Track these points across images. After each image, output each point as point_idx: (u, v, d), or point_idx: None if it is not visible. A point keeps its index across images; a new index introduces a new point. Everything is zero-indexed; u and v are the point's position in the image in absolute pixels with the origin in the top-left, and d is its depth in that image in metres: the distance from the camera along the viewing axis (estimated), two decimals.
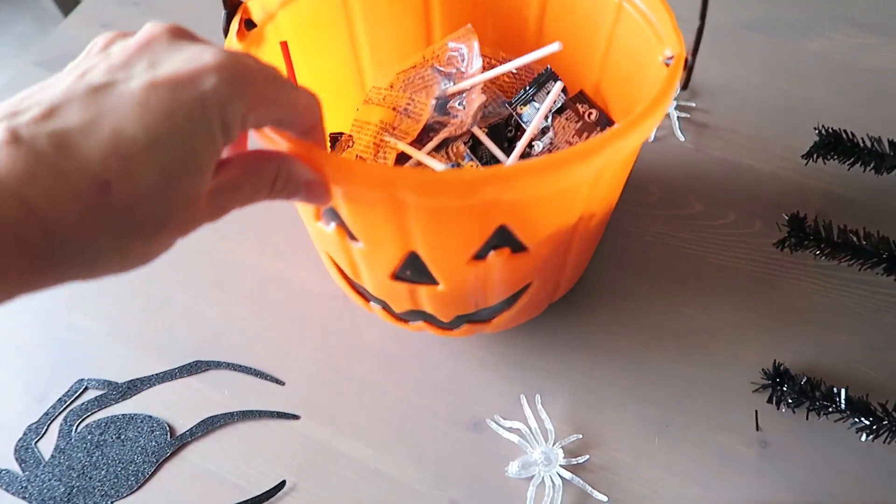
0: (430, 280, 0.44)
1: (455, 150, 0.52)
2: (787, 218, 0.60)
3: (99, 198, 0.24)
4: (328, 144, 0.62)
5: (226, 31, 0.46)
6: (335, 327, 0.60)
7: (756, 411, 0.53)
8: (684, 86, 0.41)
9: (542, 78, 0.54)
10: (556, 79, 0.52)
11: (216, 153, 0.27)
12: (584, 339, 0.58)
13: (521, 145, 0.49)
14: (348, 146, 0.58)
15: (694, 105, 0.72)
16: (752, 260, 0.61)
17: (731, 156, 0.67)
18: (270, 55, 0.48)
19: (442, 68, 0.54)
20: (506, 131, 0.55)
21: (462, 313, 0.48)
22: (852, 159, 0.59)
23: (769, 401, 0.53)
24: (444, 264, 0.42)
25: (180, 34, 0.29)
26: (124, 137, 0.24)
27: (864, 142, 0.59)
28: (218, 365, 0.58)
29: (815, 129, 0.61)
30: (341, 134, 0.61)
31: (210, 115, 0.26)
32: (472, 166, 0.50)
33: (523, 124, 0.54)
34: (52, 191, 0.23)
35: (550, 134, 0.50)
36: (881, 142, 0.59)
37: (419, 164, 0.53)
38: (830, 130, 0.60)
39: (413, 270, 0.43)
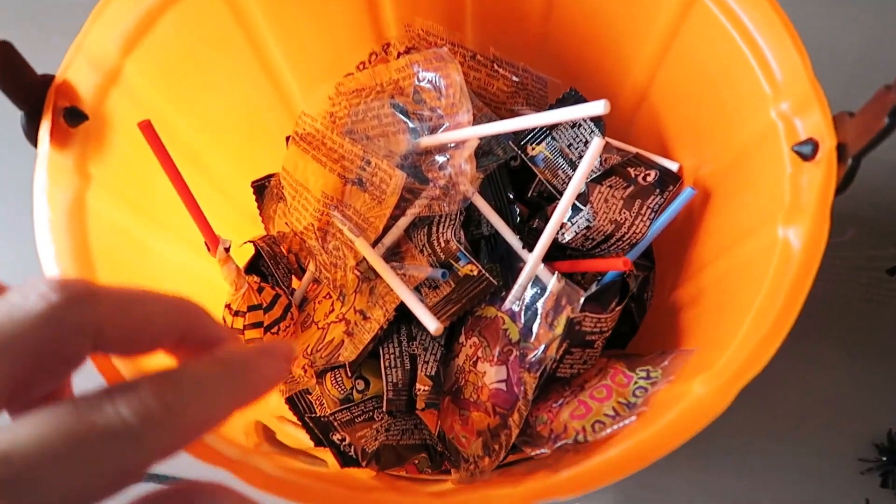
0: None
1: (443, 242, 0.34)
2: None
3: None
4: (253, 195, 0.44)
5: (31, 138, 0.27)
6: None
7: (867, 500, 0.42)
8: (841, 188, 0.24)
9: (563, 105, 0.35)
10: (597, 128, 0.33)
11: None
12: None
13: (546, 237, 0.32)
14: (279, 200, 0.40)
15: None
16: (847, 281, 0.47)
17: None
18: (125, 153, 0.29)
19: (406, 106, 0.35)
20: (507, 184, 0.37)
21: None
22: None
23: (884, 485, 0.41)
24: None
25: None
26: None
27: None
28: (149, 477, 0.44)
29: None
30: (269, 178, 0.43)
31: None
32: (471, 271, 0.33)
33: (535, 169, 0.36)
34: None
35: (587, 212, 0.32)
36: None
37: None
38: None
39: None
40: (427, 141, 0.34)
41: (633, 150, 0.33)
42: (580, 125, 0.35)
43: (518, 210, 0.37)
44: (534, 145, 0.36)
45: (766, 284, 0.24)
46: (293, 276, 0.42)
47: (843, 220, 0.48)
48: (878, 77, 0.26)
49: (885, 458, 0.41)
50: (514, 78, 0.37)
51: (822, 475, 0.42)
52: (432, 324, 0.30)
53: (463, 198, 0.33)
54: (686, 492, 0.43)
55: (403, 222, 0.35)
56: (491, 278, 0.33)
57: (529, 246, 0.34)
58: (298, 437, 0.35)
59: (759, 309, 0.24)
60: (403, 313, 0.34)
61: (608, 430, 0.28)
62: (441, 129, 0.34)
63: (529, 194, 0.38)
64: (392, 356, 0.35)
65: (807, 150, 0.25)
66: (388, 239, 0.36)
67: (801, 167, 0.25)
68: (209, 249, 0.34)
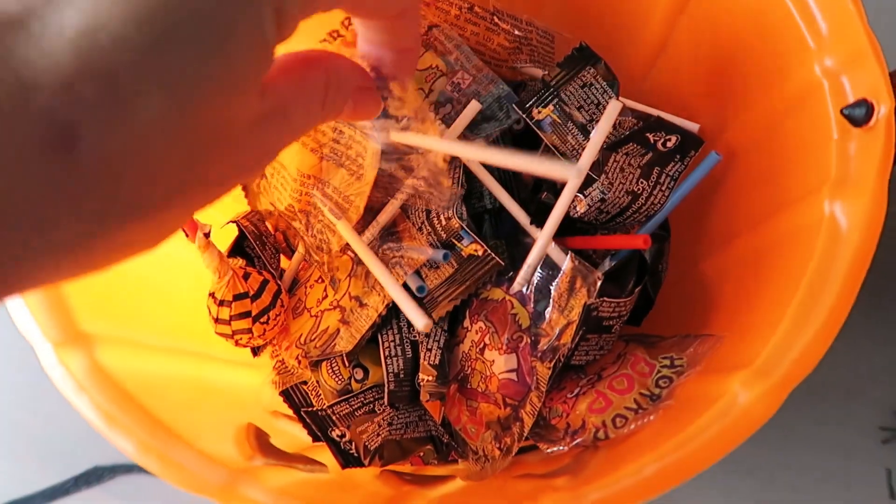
0: None
1: (444, 220, 0.31)
2: None
3: (56, 159, 0.12)
4: None
5: None
6: None
7: (889, 471, 0.40)
8: None
9: (572, 63, 0.32)
10: (610, 88, 0.30)
11: (265, 62, 0.15)
12: None
13: (557, 214, 0.29)
14: (261, 175, 0.37)
15: None
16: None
17: None
18: None
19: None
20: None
21: None
22: None
23: None
24: None
25: None
26: (105, 37, 0.12)
27: None
28: (128, 469, 0.42)
29: None
30: None
31: None
32: (476, 251, 0.31)
33: (541, 134, 0.33)
34: None
35: (601, 183, 0.29)
36: None
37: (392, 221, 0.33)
38: None
39: None
40: (396, 136, 0.30)
41: (654, 112, 0.30)
42: (591, 84, 0.31)
43: (524, 180, 0.34)
44: (540, 108, 0.33)
45: (811, 268, 0.21)
46: (281, 256, 0.39)
47: None
48: None
49: None
50: (517, 32, 0.34)
51: (842, 445, 0.41)
52: (420, 320, 0.27)
53: (451, 194, 0.30)
54: None
55: (400, 198, 0.32)
56: (497, 258, 0.31)
57: (538, 221, 0.31)
58: (295, 433, 0.32)
59: (805, 297, 0.21)
60: None
61: (631, 427, 0.26)
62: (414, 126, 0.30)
63: None
64: (392, 344, 0.32)
65: (858, 114, 0.22)
66: (384, 217, 0.33)
67: (850, 133, 0.22)
68: (187, 236, 0.31)
